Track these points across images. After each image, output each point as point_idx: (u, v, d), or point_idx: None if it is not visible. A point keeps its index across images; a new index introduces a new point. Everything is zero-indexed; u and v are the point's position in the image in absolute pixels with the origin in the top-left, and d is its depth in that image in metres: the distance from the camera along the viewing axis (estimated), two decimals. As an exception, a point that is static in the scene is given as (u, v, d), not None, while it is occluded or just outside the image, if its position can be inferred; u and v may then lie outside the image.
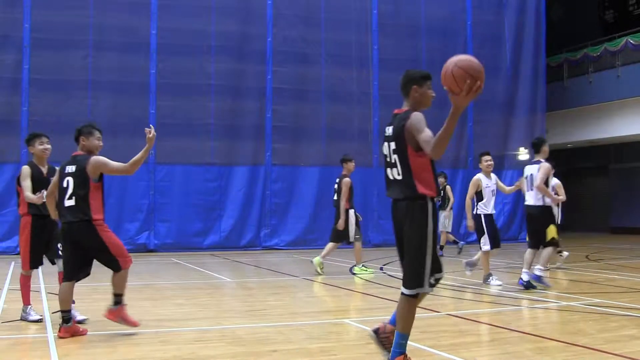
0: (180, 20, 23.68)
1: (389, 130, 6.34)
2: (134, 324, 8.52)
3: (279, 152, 24.58)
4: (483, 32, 27.93)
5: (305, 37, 25.31)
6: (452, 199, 21.19)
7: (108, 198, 22.16)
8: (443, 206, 21.11)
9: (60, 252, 8.90)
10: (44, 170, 9.52)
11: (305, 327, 9.14)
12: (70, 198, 8.31)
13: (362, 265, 16.29)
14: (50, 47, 22.47)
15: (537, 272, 12.67)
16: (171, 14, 23.65)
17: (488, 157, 13.71)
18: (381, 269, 17.29)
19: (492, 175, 13.84)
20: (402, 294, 6.26)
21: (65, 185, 8.37)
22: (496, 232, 13.60)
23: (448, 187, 21.19)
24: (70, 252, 8.31)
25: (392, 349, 6.22)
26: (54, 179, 8.71)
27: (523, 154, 28.32)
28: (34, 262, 9.37)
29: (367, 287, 13.79)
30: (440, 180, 20.52)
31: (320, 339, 8.25)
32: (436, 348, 7.52)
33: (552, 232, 12.68)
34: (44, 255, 9.54)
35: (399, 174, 6.26)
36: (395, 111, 6.45)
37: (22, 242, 9.38)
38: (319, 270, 15.89)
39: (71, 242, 8.28)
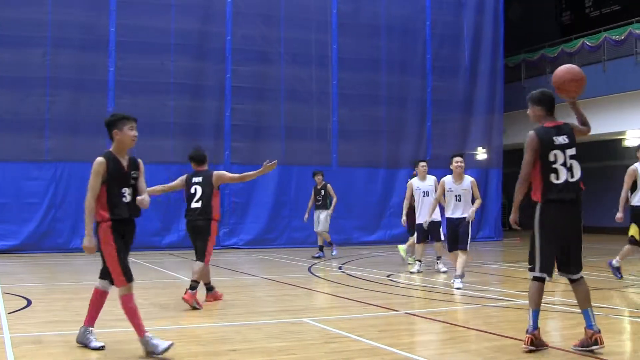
0: (140, 18, 23.53)
1: (565, 139, 7.47)
2: (200, 306, 10.57)
3: (238, 151, 24.54)
4: (442, 32, 28.10)
5: (264, 35, 25.28)
6: (334, 198, 20.80)
7: (66, 197, 22.38)
8: (325, 205, 20.47)
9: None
10: (125, 162, 7.64)
11: (264, 327, 9.16)
12: (197, 201, 11.21)
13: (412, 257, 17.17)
14: (9, 44, 22.21)
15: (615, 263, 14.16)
16: (131, 11, 23.48)
17: (458, 159, 13.28)
18: (340, 268, 17.34)
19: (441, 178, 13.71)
20: (575, 279, 7.55)
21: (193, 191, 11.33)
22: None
23: (329, 185, 20.75)
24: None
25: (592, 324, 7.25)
26: (178, 182, 11.93)
27: (481, 153, 28.54)
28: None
29: (326, 286, 13.83)
30: (318, 178, 20.54)
31: (279, 338, 8.27)
32: (395, 347, 7.58)
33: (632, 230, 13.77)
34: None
35: (572, 177, 7.42)
36: (556, 123, 7.60)
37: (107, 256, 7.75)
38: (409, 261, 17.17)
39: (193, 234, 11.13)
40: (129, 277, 7.71)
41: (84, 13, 23.05)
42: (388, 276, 14.98)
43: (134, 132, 7.66)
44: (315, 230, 20.47)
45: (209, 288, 11.65)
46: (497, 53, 29.29)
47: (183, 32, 24.13)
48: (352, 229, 25.83)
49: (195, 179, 11.57)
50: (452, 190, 13.22)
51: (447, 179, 13.33)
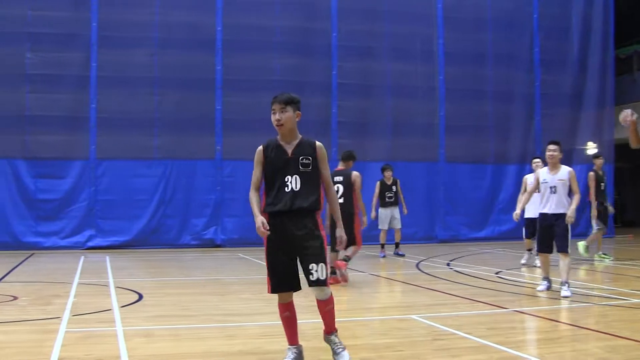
0: (246, 16, 23.75)
1: None
2: (345, 280, 12.23)
3: (344, 147, 24.46)
4: (549, 24, 27.47)
5: (369, 31, 25.17)
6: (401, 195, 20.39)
7: (176, 193, 22.81)
8: (397, 202, 20.10)
9: None
10: (289, 148, 6.75)
11: (370, 323, 9.11)
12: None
13: (602, 253, 17.61)
14: (118, 45, 22.76)
15: None
16: (236, 10, 23.73)
17: (551, 147, 11.96)
18: (448, 264, 17.16)
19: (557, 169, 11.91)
20: None
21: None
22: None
23: (398, 181, 20.32)
24: None
25: None
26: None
27: (591, 148, 27.84)
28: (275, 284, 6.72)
29: (433, 283, 13.69)
30: (388, 174, 20.09)
31: (386, 335, 8.22)
32: (503, 345, 7.42)
33: None
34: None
35: None
36: None
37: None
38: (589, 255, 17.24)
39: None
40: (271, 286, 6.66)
41: (190, 13, 23.41)
42: (497, 273, 14.75)
43: (275, 116, 6.69)
44: (392, 227, 20.09)
45: (333, 272, 13.02)
46: (607, 45, 28.49)
47: (288, 29, 24.26)
48: (459, 225, 25.54)
49: (336, 178, 13.31)
50: (546, 182, 11.84)
51: (542, 170, 12.20)
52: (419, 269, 16.10)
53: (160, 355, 7.11)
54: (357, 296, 12.08)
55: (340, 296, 11.70)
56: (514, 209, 15.62)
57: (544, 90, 27.16)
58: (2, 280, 14.02)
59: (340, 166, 13.77)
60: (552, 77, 27.36)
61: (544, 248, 11.86)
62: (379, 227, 20.02)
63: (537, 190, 12.84)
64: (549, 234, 11.65)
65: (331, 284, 12.00)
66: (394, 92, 25.24)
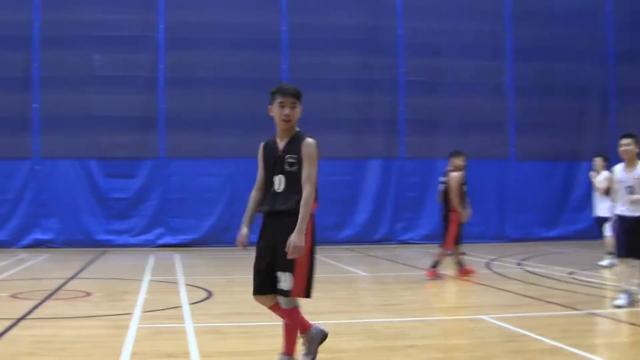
0: (310, 15, 23.75)
1: None
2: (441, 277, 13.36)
3: (412, 145, 24.34)
4: (624, 15, 26.59)
5: (435, 27, 24.89)
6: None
7: (244, 192, 22.90)
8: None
9: None
10: (281, 145, 6.33)
11: (440, 323, 9.01)
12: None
13: None
14: (185, 46, 23.04)
15: None
16: (301, 9, 23.75)
17: (624, 141, 10.44)
18: (519, 264, 16.91)
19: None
20: None
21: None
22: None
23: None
24: None
25: None
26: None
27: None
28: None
29: (504, 283, 13.50)
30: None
31: (457, 336, 8.11)
32: (577, 348, 7.24)
33: None
34: None
35: None
36: None
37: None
38: None
39: None
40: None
41: (256, 13, 23.49)
42: (570, 273, 14.48)
43: (284, 110, 6.14)
44: None
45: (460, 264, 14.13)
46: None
47: (353, 27, 24.13)
48: (530, 224, 25.09)
49: (441, 179, 14.45)
50: (622, 181, 10.35)
51: (617, 168, 10.64)
52: (490, 269, 15.90)
53: (230, 352, 7.15)
54: (427, 296, 11.98)
55: (410, 295, 11.61)
56: (587, 207, 15.32)
57: (619, 83, 26.50)
58: (76, 276, 14.25)
59: (449, 166, 14.48)
60: (627, 69, 26.65)
61: (625, 253, 10.29)
62: None
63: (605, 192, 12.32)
64: (629, 238, 10.18)
65: (430, 277, 13.46)
66: (462, 88, 24.87)
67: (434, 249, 18.19)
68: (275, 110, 6.17)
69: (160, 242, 22.46)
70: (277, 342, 7.50)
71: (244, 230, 6.29)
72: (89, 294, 11.48)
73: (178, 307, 9.98)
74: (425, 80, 24.54)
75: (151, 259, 18.14)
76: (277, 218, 6.09)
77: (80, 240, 21.98)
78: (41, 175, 22.45)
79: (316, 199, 6.10)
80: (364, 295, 12.22)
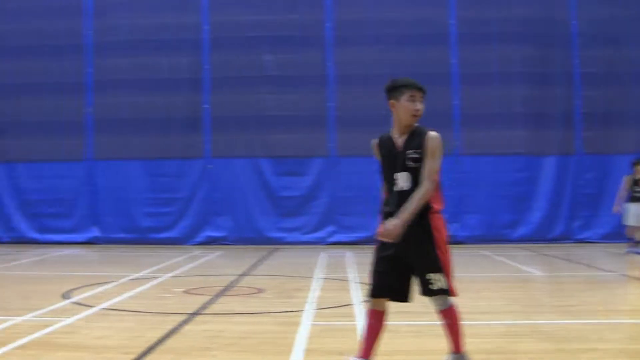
0: (480, 9, 23.33)
1: None
2: None
3: (589, 140, 23.47)
4: None
5: (613, 16, 23.87)
6: None
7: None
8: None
9: None
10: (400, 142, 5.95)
11: (622, 326, 8.60)
12: None
13: None
14: (353, 43, 23.18)
15: None
16: (470, 3, 23.39)
17: None
18: None
19: None
20: None
21: None
22: None
23: None
24: None
25: None
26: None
27: None
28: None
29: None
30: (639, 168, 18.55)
31: (638, 340, 7.70)
32: None
33: None
34: None
35: None
36: None
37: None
38: None
39: None
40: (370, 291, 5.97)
41: (422, 9, 23.30)
42: None
43: (416, 106, 5.82)
44: (629, 224, 18.93)
45: None
46: None
47: (524, 19, 23.49)
48: None
49: None
50: None
51: None
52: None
53: (402, 350, 7.12)
54: (608, 296, 11.49)
55: (588, 296, 11.19)
56: None
57: None
58: (248, 273, 14.54)
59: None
60: None
61: None
62: (626, 222, 19.03)
63: None
64: None
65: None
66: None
67: (614, 249, 17.53)
68: (403, 105, 5.80)
69: (331, 239, 22.69)
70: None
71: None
72: (260, 291, 11.67)
73: (349, 305, 10.00)
74: (602, 72, 23.56)
75: (322, 257, 18.28)
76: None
77: (252, 237, 22.53)
78: (213, 174, 23.17)
79: (441, 197, 5.82)
80: (538, 295, 11.88)
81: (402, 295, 5.87)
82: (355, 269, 15.07)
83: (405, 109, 5.79)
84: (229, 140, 23.18)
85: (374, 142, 6.10)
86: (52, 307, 9.85)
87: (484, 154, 22.78)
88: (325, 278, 13.52)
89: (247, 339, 7.70)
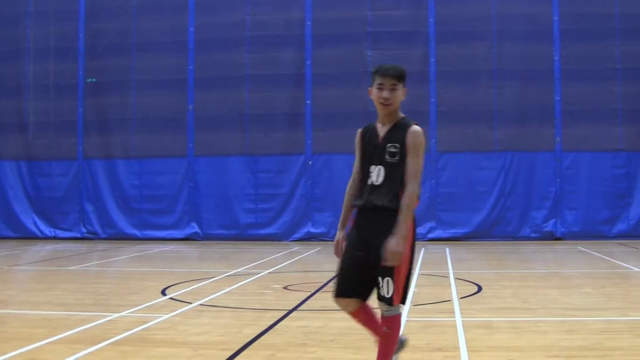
0: (582, 5, 23.00)
1: None
2: None
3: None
4: None
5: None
6: None
7: (515, 186, 22.67)
8: None
9: None
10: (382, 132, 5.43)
11: None
12: None
13: None
14: (457, 39, 23.15)
15: None
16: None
17: None
18: None
19: None
20: None
21: None
22: None
23: None
24: None
25: None
26: None
27: None
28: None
29: None
30: None
31: None
32: None
33: None
34: None
35: None
36: None
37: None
38: None
39: None
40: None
41: (527, 4, 23.11)
42: None
43: (382, 94, 5.30)
44: None
45: None
46: None
47: (628, 15, 23.07)
48: None
49: None
50: None
51: None
52: None
53: (499, 347, 7.16)
54: None
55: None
56: None
57: None
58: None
59: None
60: None
61: None
62: None
63: None
64: None
65: None
66: None
67: None
68: (373, 93, 5.35)
69: (431, 235, 22.77)
70: (547, 337, 7.49)
71: (339, 235, 5.47)
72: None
73: (448, 300, 10.14)
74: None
75: (422, 253, 18.37)
76: (373, 214, 5.28)
77: (350, 234, 22.73)
78: (314, 170, 23.46)
79: (418, 195, 5.28)
80: (637, 292, 11.78)
81: (363, 294, 5.41)
82: (454, 265, 15.17)
83: (375, 98, 5.36)
84: (329, 136, 23.42)
85: (359, 131, 5.58)
86: (150, 303, 10.08)
87: (584, 150, 22.52)
88: (425, 274, 13.64)
89: (345, 335, 7.74)
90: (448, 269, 14.40)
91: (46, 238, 24.40)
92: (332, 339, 7.59)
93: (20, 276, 14.77)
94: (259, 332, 7.86)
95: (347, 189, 5.51)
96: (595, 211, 22.42)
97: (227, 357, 6.74)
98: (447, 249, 19.35)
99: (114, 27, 24.79)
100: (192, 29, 24.38)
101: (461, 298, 10.31)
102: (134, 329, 8.14)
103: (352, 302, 5.41)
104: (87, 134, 24.78)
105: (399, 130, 5.30)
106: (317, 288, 11.68)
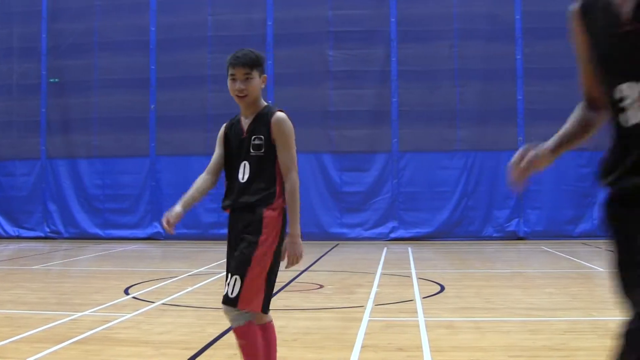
0: (544, 4, 23.14)
1: None
2: None
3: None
4: None
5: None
6: None
7: (478, 186, 22.76)
8: None
9: None
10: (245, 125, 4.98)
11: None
12: None
13: None
14: (418, 39, 23.17)
15: None
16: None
17: None
18: None
19: None
20: None
21: None
22: None
23: None
24: None
25: None
26: None
27: None
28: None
29: None
30: None
31: None
32: None
33: None
34: None
35: None
36: None
37: None
38: None
39: None
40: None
41: (489, 3, 23.20)
42: None
43: (235, 85, 4.82)
44: None
45: None
46: None
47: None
48: None
49: None
50: None
51: None
52: None
53: (462, 347, 7.10)
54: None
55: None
56: None
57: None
58: (309, 269, 14.64)
59: None
60: None
61: None
62: None
63: None
64: None
65: None
66: None
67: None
68: (228, 85, 4.87)
69: (394, 235, 22.73)
70: (511, 337, 7.45)
71: (177, 208, 4.85)
72: (321, 287, 11.81)
73: (411, 300, 10.05)
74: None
75: (384, 252, 18.35)
76: (241, 213, 4.80)
77: (314, 232, 22.63)
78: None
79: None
80: (600, 291, 11.81)
81: None
82: (417, 265, 15.14)
83: (230, 90, 4.88)
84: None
85: (224, 125, 5.12)
86: (113, 303, 10.02)
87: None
88: (387, 274, 13.59)
89: (308, 334, 7.77)
90: (410, 269, 14.33)
91: (10, 237, 24.19)
92: (295, 339, 7.55)
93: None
94: (221, 331, 7.77)
95: (196, 180, 5.06)
96: (559, 210, 22.53)
97: (189, 356, 6.70)
98: (410, 249, 19.31)
99: (77, 27, 24.55)
100: (153, 29, 24.20)
101: (424, 298, 10.24)
102: (97, 328, 8.09)
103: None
104: (50, 134, 24.57)
105: (261, 120, 4.83)
106: (279, 287, 11.57)
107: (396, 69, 23.17)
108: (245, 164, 4.80)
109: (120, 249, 20.39)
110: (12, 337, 7.49)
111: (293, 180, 4.75)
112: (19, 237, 24.13)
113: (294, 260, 4.79)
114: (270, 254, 4.73)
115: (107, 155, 24.10)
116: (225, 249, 4.90)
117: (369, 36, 23.46)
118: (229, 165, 4.95)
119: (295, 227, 4.76)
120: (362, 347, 7.02)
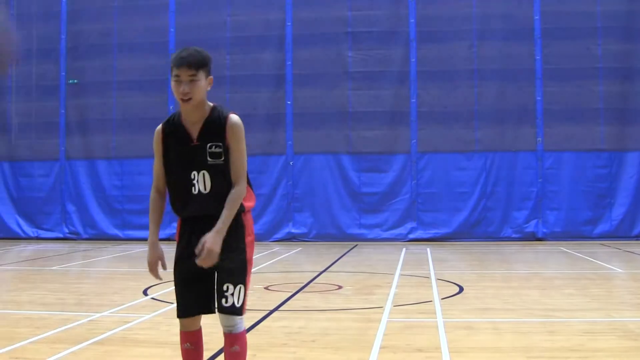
0: (564, 3, 23.03)
1: None
2: None
3: None
4: None
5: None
6: None
7: (496, 187, 22.70)
8: None
9: None
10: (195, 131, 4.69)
11: None
12: None
13: None
14: (437, 39, 23.13)
15: None
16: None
17: None
18: None
19: None
20: None
21: None
22: None
23: None
24: None
25: None
26: None
27: None
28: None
29: None
30: None
31: None
32: None
33: None
34: None
35: None
36: None
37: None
38: None
39: None
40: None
41: (508, 4, 23.14)
42: None
43: (180, 88, 4.50)
44: None
45: None
46: None
47: (610, 13, 23.11)
48: None
49: None
50: None
51: None
52: None
53: (481, 348, 7.12)
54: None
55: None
56: None
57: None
58: (328, 270, 14.70)
59: None
60: None
61: None
62: None
63: None
64: None
65: None
66: None
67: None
68: (172, 87, 4.54)
69: (412, 236, 22.73)
70: (529, 338, 7.44)
71: (154, 254, 4.72)
72: (340, 287, 11.83)
73: (429, 301, 10.07)
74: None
75: (402, 253, 18.34)
76: (204, 224, 4.51)
77: (332, 234, 22.74)
78: (295, 170, 23.39)
79: (252, 193, 4.76)
80: (619, 292, 11.78)
81: (210, 307, 4.83)
82: (436, 266, 15.13)
83: (174, 92, 4.56)
84: (310, 136, 23.38)
85: (159, 129, 4.77)
86: (131, 303, 10.07)
87: (566, 149, 22.54)
88: (406, 275, 13.59)
89: (326, 335, 7.78)
90: (429, 270, 14.34)
91: (29, 238, 24.27)
92: (313, 339, 7.57)
93: (4, 276, 14.59)
94: (240, 332, 7.77)
95: (151, 202, 4.83)
96: (577, 211, 22.44)
97: (208, 357, 6.67)
98: (429, 250, 19.30)
99: (95, 29, 24.67)
100: (172, 30, 24.28)
101: (442, 299, 10.25)
102: (115, 328, 8.12)
103: (196, 320, 4.87)
104: (69, 135, 24.69)
105: (214, 125, 4.56)
106: (298, 288, 11.64)
107: (415, 70, 23.16)
108: (203, 174, 4.54)
109: (139, 249, 20.36)
110: (31, 338, 7.54)
111: (241, 190, 4.54)
112: (38, 238, 24.21)
113: (206, 258, 4.38)
114: (251, 256, 4.70)
115: (126, 156, 24.17)
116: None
117: (387, 37, 23.46)
118: (174, 175, 4.66)
119: (223, 225, 4.43)
120: (381, 347, 7.05)
